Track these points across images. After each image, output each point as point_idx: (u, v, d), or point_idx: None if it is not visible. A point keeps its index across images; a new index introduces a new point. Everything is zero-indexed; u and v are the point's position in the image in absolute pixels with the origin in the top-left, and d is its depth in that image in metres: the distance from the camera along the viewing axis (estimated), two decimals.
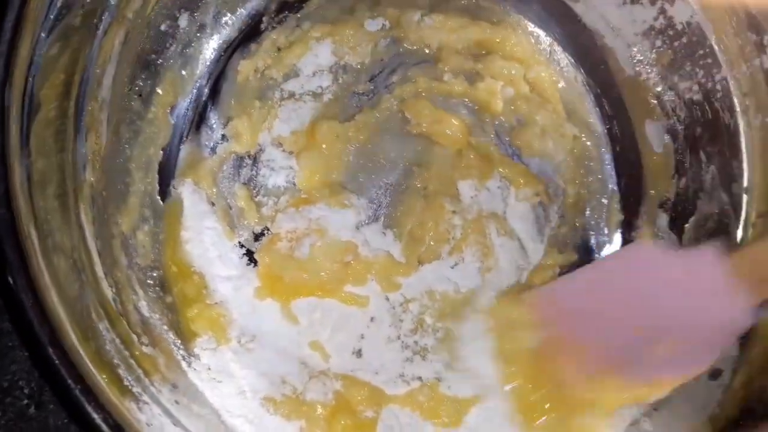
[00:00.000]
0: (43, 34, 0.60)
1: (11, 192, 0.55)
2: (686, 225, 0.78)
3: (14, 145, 0.57)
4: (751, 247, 0.65)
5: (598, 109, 0.83)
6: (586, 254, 0.81)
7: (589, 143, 0.82)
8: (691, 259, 0.64)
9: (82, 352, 0.55)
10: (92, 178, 0.68)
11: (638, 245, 0.76)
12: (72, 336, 0.55)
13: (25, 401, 0.66)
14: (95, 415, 0.51)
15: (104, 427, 0.51)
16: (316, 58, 0.81)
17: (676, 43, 0.78)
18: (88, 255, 0.65)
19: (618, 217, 0.81)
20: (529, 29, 0.84)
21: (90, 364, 0.55)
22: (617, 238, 0.81)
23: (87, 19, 0.66)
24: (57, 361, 0.51)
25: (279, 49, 0.81)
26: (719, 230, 0.75)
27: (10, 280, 0.52)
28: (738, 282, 0.60)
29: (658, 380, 0.66)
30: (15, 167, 0.56)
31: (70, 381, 0.52)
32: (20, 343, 0.64)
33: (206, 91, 0.80)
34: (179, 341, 0.72)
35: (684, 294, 0.63)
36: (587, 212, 0.81)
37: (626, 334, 0.66)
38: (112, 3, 0.68)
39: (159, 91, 0.77)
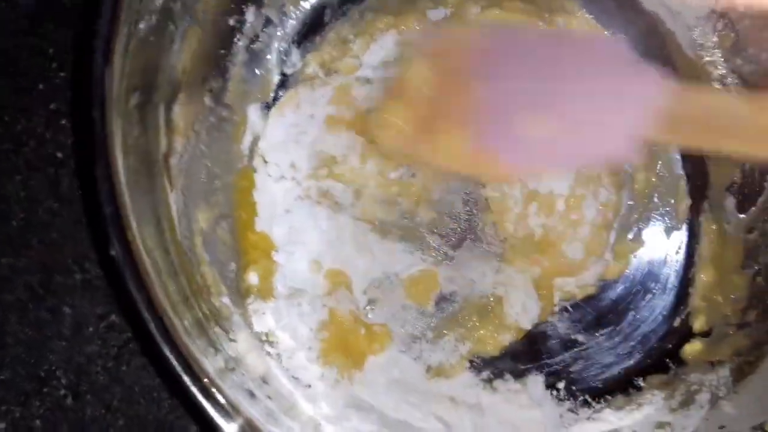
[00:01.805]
0: (130, 40, 0.60)
1: (116, 190, 0.55)
2: (753, 207, 0.78)
3: (112, 146, 0.57)
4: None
5: None
6: (655, 240, 0.81)
7: None
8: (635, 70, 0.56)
9: (189, 347, 0.55)
10: (174, 177, 0.68)
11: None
12: (181, 332, 0.55)
13: (63, 392, 0.66)
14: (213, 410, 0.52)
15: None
16: (380, 49, 0.81)
17: (738, 26, 0.78)
18: (180, 252, 0.65)
19: (686, 202, 0.81)
20: (587, 17, 0.84)
21: (196, 362, 0.55)
22: (687, 222, 0.81)
23: (166, 22, 0.65)
24: (175, 363, 0.52)
25: (344, 42, 0.81)
26: None
27: (126, 284, 0.52)
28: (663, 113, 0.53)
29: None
30: (118, 166, 0.56)
31: (186, 378, 0.52)
32: (58, 332, 0.64)
33: (275, 84, 0.80)
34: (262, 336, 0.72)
35: (608, 94, 0.56)
36: (655, 198, 0.81)
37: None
38: (190, 4, 0.68)
39: (229, 87, 0.76)
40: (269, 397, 0.65)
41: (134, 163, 0.60)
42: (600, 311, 0.79)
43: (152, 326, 0.52)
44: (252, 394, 0.63)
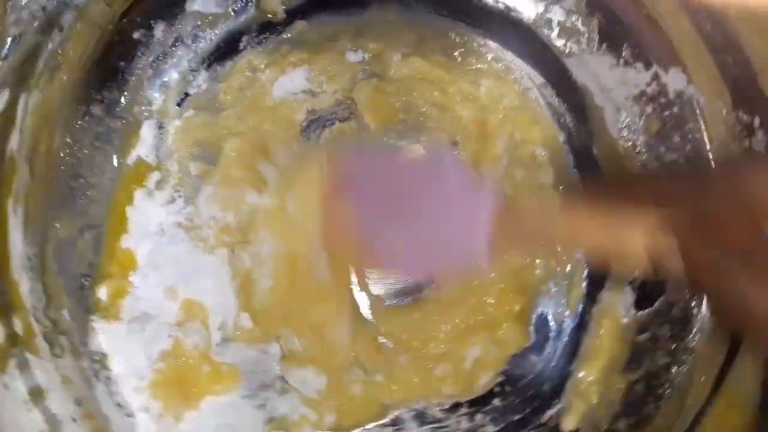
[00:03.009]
0: None
1: None
2: (651, 308, 0.73)
3: None
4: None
5: (576, 170, 0.79)
6: (539, 327, 0.76)
7: None
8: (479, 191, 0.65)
9: None
10: (29, 177, 0.66)
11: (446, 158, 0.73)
12: None
13: None
14: None
15: None
16: (290, 82, 0.79)
17: (666, 113, 0.73)
18: (5, 258, 0.63)
19: (580, 291, 0.76)
20: (512, 77, 0.80)
21: None
22: (578, 311, 0.76)
23: (49, 16, 0.65)
24: None
25: (254, 70, 0.79)
26: (685, 319, 0.70)
27: None
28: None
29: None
30: None
31: None
32: None
33: (175, 103, 0.78)
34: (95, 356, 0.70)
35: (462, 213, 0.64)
36: (550, 283, 0.76)
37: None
38: (77, 2, 0.67)
39: (122, 101, 0.75)
40: (74, 420, 0.63)
41: None
42: None
43: None
44: (52, 418, 0.61)
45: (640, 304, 0.74)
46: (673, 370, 0.69)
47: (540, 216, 0.62)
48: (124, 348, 0.70)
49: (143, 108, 0.77)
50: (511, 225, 0.63)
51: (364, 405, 0.73)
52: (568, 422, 0.72)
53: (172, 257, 0.73)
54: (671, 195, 0.55)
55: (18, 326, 0.63)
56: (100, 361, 0.70)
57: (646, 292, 0.74)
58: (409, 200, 0.66)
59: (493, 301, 0.75)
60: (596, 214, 0.58)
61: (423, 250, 0.66)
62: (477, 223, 0.62)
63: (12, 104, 0.64)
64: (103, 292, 0.71)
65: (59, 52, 0.68)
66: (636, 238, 0.55)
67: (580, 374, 0.74)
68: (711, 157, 0.70)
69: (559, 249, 0.74)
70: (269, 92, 0.78)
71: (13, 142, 0.65)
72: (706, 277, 0.53)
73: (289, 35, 0.80)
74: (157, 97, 0.78)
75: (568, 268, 0.76)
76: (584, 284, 0.76)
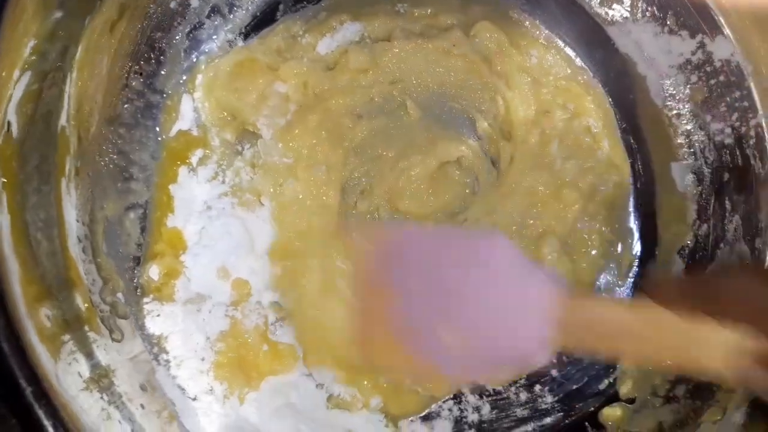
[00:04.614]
0: None
1: None
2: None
3: None
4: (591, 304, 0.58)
5: (623, 142, 0.79)
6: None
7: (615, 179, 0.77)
8: (536, 277, 0.57)
9: (41, 348, 0.51)
10: (78, 155, 0.63)
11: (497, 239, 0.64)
12: (31, 330, 0.50)
13: None
14: (46, 422, 0.47)
15: None
16: (332, 41, 0.76)
17: (712, 81, 0.74)
18: (64, 240, 0.60)
19: (631, 258, 0.76)
20: (560, 45, 0.79)
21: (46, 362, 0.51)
22: (629, 281, 0.76)
23: None
24: (9, 356, 0.47)
25: (293, 37, 0.76)
26: None
27: None
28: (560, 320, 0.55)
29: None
30: None
31: (22, 381, 0.47)
32: None
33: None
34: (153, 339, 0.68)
35: (509, 306, 0.57)
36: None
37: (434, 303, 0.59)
38: None
39: (163, 72, 0.72)
40: (142, 406, 0.61)
41: (24, 136, 0.56)
42: None
43: None
44: (119, 403, 0.59)
45: (690, 272, 0.74)
46: None
47: (611, 311, 0.54)
48: (182, 330, 0.68)
49: (181, 81, 0.74)
50: (574, 319, 0.55)
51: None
52: (625, 388, 0.73)
53: (221, 233, 0.71)
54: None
55: (80, 302, 0.60)
56: (158, 344, 0.68)
57: (694, 260, 0.75)
58: (455, 287, 0.58)
59: None
60: (673, 321, 0.52)
61: (470, 346, 0.57)
62: (533, 315, 0.55)
63: (59, 80, 0.61)
64: (154, 272, 0.68)
65: (97, 25, 0.64)
66: (715, 356, 0.51)
67: None
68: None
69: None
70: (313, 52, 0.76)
71: (63, 118, 0.61)
72: None
73: (327, 3, 0.77)
74: (195, 68, 0.74)
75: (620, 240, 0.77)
76: (634, 252, 0.76)
